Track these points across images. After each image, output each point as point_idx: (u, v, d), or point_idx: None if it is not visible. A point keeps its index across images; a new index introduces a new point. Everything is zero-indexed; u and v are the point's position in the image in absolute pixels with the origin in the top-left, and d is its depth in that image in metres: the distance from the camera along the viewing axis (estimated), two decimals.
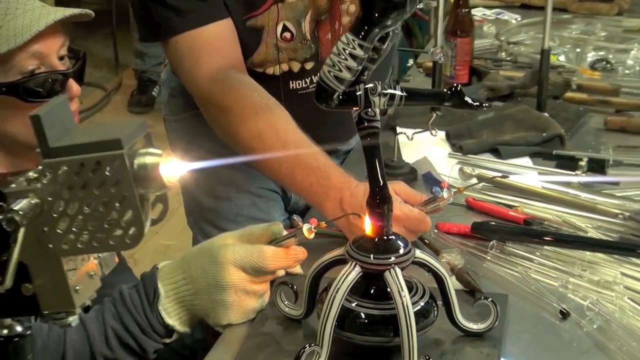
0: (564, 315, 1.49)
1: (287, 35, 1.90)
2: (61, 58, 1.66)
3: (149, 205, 1.00)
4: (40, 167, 0.99)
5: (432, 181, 1.92)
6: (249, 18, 1.86)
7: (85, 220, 0.98)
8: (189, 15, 1.80)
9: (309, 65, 1.95)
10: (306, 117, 1.76)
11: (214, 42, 1.81)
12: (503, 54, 2.63)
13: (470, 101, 1.33)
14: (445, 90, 1.35)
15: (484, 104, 1.36)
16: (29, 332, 1.06)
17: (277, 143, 1.71)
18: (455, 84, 1.34)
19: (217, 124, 1.79)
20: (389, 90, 1.33)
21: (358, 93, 1.32)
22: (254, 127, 1.73)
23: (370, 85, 1.32)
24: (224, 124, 1.77)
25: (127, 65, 5.35)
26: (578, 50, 2.60)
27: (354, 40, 1.28)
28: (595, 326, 1.47)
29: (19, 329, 1.05)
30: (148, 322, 1.51)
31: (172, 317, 1.51)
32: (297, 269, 1.60)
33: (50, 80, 1.62)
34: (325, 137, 1.78)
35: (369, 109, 1.34)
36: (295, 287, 1.49)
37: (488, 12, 2.92)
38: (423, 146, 2.00)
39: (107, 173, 0.96)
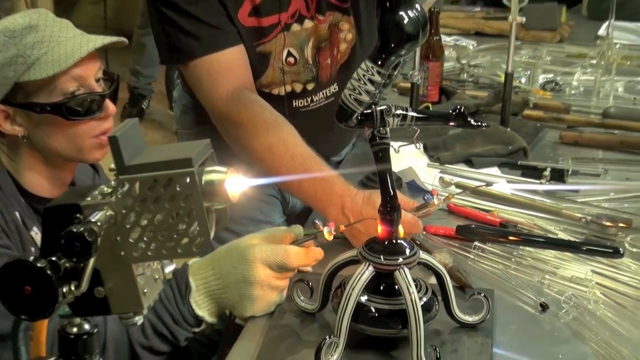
0: (544, 308, 1.51)
1: (291, 60, 1.90)
2: (97, 80, 1.66)
3: (212, 217, 1.00)
4: (114, 183, 0.99)
5: (415, 188, 1.93)
6: (259, 44, 1.86)
7: (155, 231, 0.97)
8: (206, 41, 1.79)
9: (310, 86, 1.94)
10: (306, 131, 1.77)
11: (229, 65, 1.81)
12: (465, 75, 2.65)
13: (472, 122, 1.34)
14: (450, 111, 1.35)
15: (483, 124, 1.37)
16: (95, 330, 1.04)
17: (286, 155, 1.71)
18: (458, 107, 1.34)
19: (232, 138, 1.78)
20: (401, 112, 1.34)
21: (375, 113, 1.32)
22: (265, 141, 1.73)
23: (385, 107, 1.33)
24: (238, 138, 1.76)
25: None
26: (528, 72, 2.62)
27: (372, 67, 1.29)
28: (571, 317, 1.48)
29: (87, 327, 1.04)
30: (180, 313, 1.51)
31: (202, 309, 1.51)
32: (307, 267, 1.59)
33: (89, 100, 1.62)
34: (321, 149, 1.76)
35: (382, 128, 1.34)
36: (310, 283, 1.49)
37: (448, 38, 2.94)
38: (404, 157, 1.99)
39: (177, 189, 0.96)
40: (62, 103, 1.59)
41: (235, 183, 0.98)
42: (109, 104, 1.65)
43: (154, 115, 4.87)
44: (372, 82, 1.29)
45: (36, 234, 1.67)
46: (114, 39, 1.64)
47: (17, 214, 1.63)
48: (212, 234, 0.98)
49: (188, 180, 0.95)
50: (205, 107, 1.84)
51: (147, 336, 1.52)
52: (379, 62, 1.28)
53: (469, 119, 1.33)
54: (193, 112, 2.06)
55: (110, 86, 1.68)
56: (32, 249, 1.66)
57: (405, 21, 1.27)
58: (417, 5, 1.28)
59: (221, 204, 0.99)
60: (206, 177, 0.97)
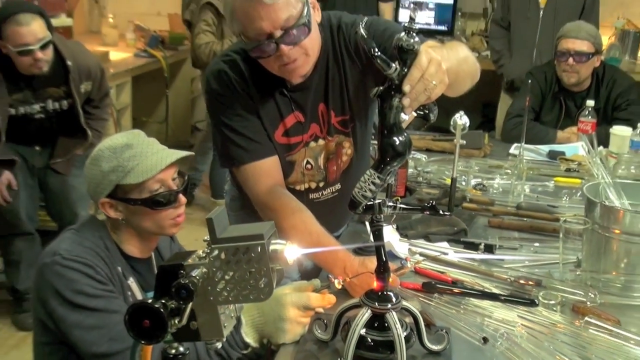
0: (485, 340, 1.50)
1: (309, 166, 1.91)
2: (174, 179, 1.68)
3: (275, 274, 1.01)
4: (207, 250, 1.00)
5: (392, 256, 1.89)
6: (288, 155, 1.87)
7: (235, 283, 0.99)
8: (252, 153, 1.79)
9: (321, 185, 1.95)
10: (318, 215, 1.76)
11: (267, 169, 1.81)
12: (421, 178, 2.65)
13: (441, 211, 1.36)
14: (425, 204, 1.37)
15: (447, 213, 1.39)
16: (187, 352, 1.05)
17: (305, 232, 1.71)
18: (431, 200, 1.36)
19: (268, 219, 1.73)
20: (392, 204, 1.36)
21: (375, 205, 1.34)
22: (291, 221, 1.72)
23: (381, 200, 1.35)
24: (273, 220, 1.72)
25: None
26: (464, 177, 2.63)
27: (374, 174, 1.31)
28: (504, 347, 1.47)
29: (181, 349, 1.04)
30: (234, 339, 1.50)
31: (249, 337, 1.51)
32: (323, 309, 1.57)
33: (167, 196, 1.65)
34: (327, 227, 1.75)
35: (378, 215, 1.36)
36: (325, 320, 1.49)
37: None
38: (385, 234, 1.98)
39: (252, 255, 0.97)
40: (149, 199, 1.62)
41: (291, 252, 1.00)
42: (181, 197, 1.69)
43: (199, 200, 4.84)
44: (374, 184, 1.31)
45: (132, 282, 1.67)
46: (185, 153, 1.68)
47: (119, 268, 1.64)
48: (275, 286, 0.99)
49: (259, 249, 0.97)
50: (250, 197, 1.84)
51: (210, 355, 1.52)
52: (379, 171, 1.31)
53: (439, 209, 1.37)
54: (239, 200, 2.05)
55: (182, 183, 1.70)
56: (129, 292, 1.66)
57: (397, 143, 1.30)
58: (405, 133, 1.31)
59: (281, 265, 1.01)
60: (272, 247, 0.99)
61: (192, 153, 1.72)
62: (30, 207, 3.26)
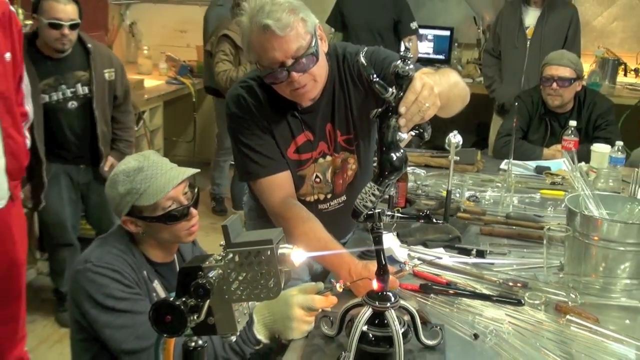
0: (476, 336, 1.49)
1: (318, 180, 1.90)
2: (185, 193, 1.67)
3: (283, 275, 1.01)
4: (222, 253, 1.00)
5: (392, 260, 1.89)
6: (299, 170, 1.87)
7: (247, 283, 0.99)
8: (267, 168, 1.80)
9: (328, 196, 1.95)
10: (326, 224, 1.76)
11: (280, 183, 1.81)
12: (420, 190, 2.64)
13: (434, 220, 1.36)
14: (420, 214, 1.37)
15: (440, 222, 1.38)
16: (206, 345, 1.05)
17: (314, 239, 1.70)
18: (426, 210, 1.36)
19: (282, 227, 1.74)
20: (390, 213, 1.36)
21: (375, 214, 1.34)
22: (302, 229, 1.72)
23: (381, 210, 1.35)
24: (285, 227, 1.68)
25: (200, 189, 5.28)
26: (459, 190, 2.63)
27: (374, 187, 1.31)
28: (493, 343, 1.47)
29: (200, 342, 1.04)
30: (247, 337, 1.50)
31: (261, 334, 1.50)
32: (327, 308, 1.55)
33: (180, 210, 1.64)
34: (334, 234, 1.74)
35: (378, 223, 1.36)
36: (331, 318, 1.49)
37: (408, 169, 2.95)
38: (385, 241, 1.95)
39: (262, 258, 0.97)
40: (163, 216, 1.62)
41: (297, 255, 1.00)
42: (192, 210, 1.67)
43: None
44: (374, 195, 1.31)
45: (156, 284, 1.67)
46: (193, 171, 1.67)
47: (145, 272, 1.64)
48: (282, 286, 0.99)
49: (269, 253, 0.97)
50: (265, 208, 1.84)
51: (226, 351, 1.51)
52: (378, 184, 1.31)
53: (432, 218, 1.36)
54: (255, 210, 2.05)
55: (192, 197, 1.69)
56: (154, 294, 1.66)
57: (394, 159, 1.30)
58: (402, 150, 1.31)
59: (288, 267, 1.01)
60: (280, 251, 0.99)
61: (198, 170, 1.69)
62: (74, 219, 3.28)
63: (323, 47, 1.72)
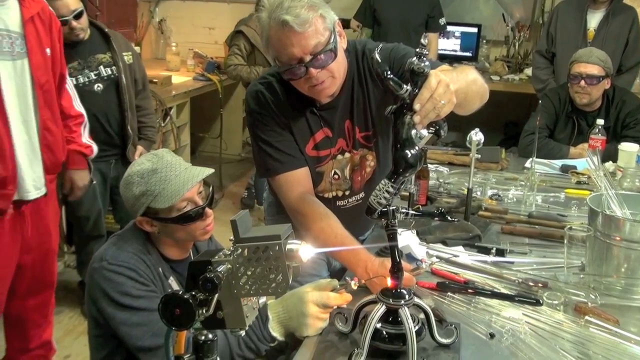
0: (492, 336, 1.48)
1: (336, 176, 1.90)
2: (200, 193, 1.66)
3: (291, 271, 1.01)
4: (232, 248, 1.01)
5: (411, 258, 1.89)
6: (317, 167, 1.87)
7: (255, 278, 0.99)
8: (286, 164, 1.80)
9: (347, 193, 1.94)
10: (344, 220, 1.75)
11: (299, 179, 1.81)
12: (442, 188, 2.62)
13: (449, 218, 1.35)
14: (434, 211, 1.36)
15: (455, 219, 1.37)
16: (216, 338, 1.05)
17: (331, 235, 1.70)
18: (441, 208, 1.35)
19: (299, 223, 1.77)
20: (405, 210, 1.35)
21: (389, 211, 1.33)
22: (319, 226, 1.71)
23: (395, 207, 1.34)
24: (303, 224, 1.75)
25: (226, 185, 5.36)
26: (481, 188, 2.60)
27: (388, 183, 1.31)
28: (509, 342, 1.45)
29: (210, 336, 1.05)
30: (262, 334, 1.50)
31: (276, 331, 1.51)
32: (342, 305, 1.56)
33: (195, 211, 1.63)
34: (352, 231, 1.74)
35: (392, 220, 1.35)
36: (345, 314, 1.48)
37: (432, 166, 2.94)
38: (405, 238, 1.95)
39: (270, 253, 0.98)
40: (177, 217, 1.61)
41: (305, 251, 1.00)
42: (208, 210, 1.66)
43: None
44: (388, 192, 1.31)
45: (172, 281, 1.68)
46: (207, 172, 1.65)
47: (160, 269, 1.65)
48: (290, 281, 0.99)
49: (277, 248, 0.97)
50: (283, 204, 1.84)
51: (241, 348, 1.51)
52: (393, 180, 1.30)
53: (447, 216, 1.35)
54: (274, 206, 2.05)
55: (208, 196, 1.68)
56: (170, 291, 1.67)
57: (409, 156, 1.29)
58: (417, 146, 1.30)
59: (296, 263, 1.01)
60: (288, 247, 0.99)
61: (212, 170, 1.67)
62: (104, 212, 3.36)
63: (342, 44, 1.71)
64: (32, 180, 2.27)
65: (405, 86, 1.26)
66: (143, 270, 1.58)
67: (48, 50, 2.29)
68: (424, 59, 1.27)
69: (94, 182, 2.93)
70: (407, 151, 1.29)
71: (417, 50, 1.27)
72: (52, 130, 2.33)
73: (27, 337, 2.55)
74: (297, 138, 1.81)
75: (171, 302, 0.96)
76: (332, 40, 1.62)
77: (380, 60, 1.28)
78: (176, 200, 1.57)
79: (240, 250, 0.98)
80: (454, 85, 1.32)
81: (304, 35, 1.58)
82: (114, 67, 3.18)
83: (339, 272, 2.09)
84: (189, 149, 4.94)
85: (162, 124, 4.33)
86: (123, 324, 1.54)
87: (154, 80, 4.57)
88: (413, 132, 1.25)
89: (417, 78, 1.27)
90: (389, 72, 1.26)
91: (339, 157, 1.88)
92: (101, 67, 3.15)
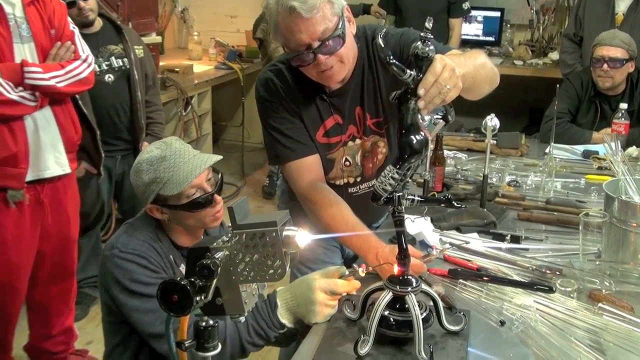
0: (502, 323, 1.47)
1: (347, 163, 1.89)
2: (209, 179, 1.66)
3: (288, 257, 1.01)
4: (230, 235, 1.01)
5: (424, 245, 1.89)
6: (328, 154, 1.86)
7: (253, 264, 1.00)
8: (296, 151, 1.79)
9: (358, 180, 1.93)
10: (355, 208, 1.75)
11: (309, 166, 1.80)
12: (459, 175, 2.60)
13: (455, 204, 1.33)
14: (442, 197, 1.35)
15: (462, 206, 1.36)
16: (216, 324, 1.06)
17: (342, 222, 1.69)
18: (447, 194, 1.34)
19: (309, 210, 1.77)
20: (411, 197, 1.34)
21: (395, 198, 1.32)
22: (330, 212, 1.71)
23: (401, 193, 1.33)
24: (314, 210, 1.75)
25: (249, 174, 5.39)
26: (499, 174, 2.57)
27: (393, 170, 1.30)
28: (520, 330, 1.44)
29: (211, 322, 1.06)
30: (271, 321, 1.51)
31: (284, 318, 1.51)
32: (351, 292, 1.55)
33: (204, 198, 1.63)
34: (365, 219, 1.74)
35: (399, 207, 1.34)
36: (353, 301, 1.48)
37: (449, 153, 2.91)
38: (418, 225, 1.94)
39: (267, 239, 0.98)
40: (187, 204, 1.61)
41: (302, 237, 1.00)
42: (217, 197, 1.66)
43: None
44: (393, 179, 1.30)
45: (183, 268, 1.68)
46: (215, 158, 1.66)
47: (171, 257, 1.66)
48: (287, 268, 1.00)
49: (274, 234, 0.97)
50: (294, 191, 1.83)
51: (251, 335, 1.52)
52: (397, 167, 1.29)
53: (453, 202, 1.33)
54: (287, 194, 2.05)
55: (216, 183, 1.68)
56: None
57: (414, 142, 1.28)
58: (422, 132, 1.29)
59: (293, 249, 1.01)
60: (285, 233, 0.99)
61: (221, 157, 1.68)
62: (108, 208, 3.41)
63: (351, 29, 1.70)
64: (54, 157, 2.33)
65: (408, 71, 1.24)
66: (154, 258, 1.59)
67: (53, 32, 2.33)
68: (429, 43, 1.25)
69: (102, 175, 2.95)
70: (412, 137, 1.27)
71: (422, 34, 1.25)
72: (64, 110, 2.37)
73: (50, 323, 2.60)
74: (308, 125, 1.80)
75: (169, 289, 0.97)
76: (340, 26, 1.61)
77: (383, 45, 1.27)
78: (185, 187, 1.58)
79: (237, 237, 0.98)
80: (460, 69, 1.30)
81: (312, 21, 1.57)
82: (125, 59, 3.19)
83: (352, 259, 2.07)
84: (210, 137, 4.97)
85: (184, 113, 4.35)
86: (134, 311, 1.56)
87: (176, 69, 4.60)
88: (427, 118, 1.23)
89: (422, 63, 1.26)
90: (391, 57, 1.24)
91: (350, 143, 1.87)
92: (112, 57, 3.16)
